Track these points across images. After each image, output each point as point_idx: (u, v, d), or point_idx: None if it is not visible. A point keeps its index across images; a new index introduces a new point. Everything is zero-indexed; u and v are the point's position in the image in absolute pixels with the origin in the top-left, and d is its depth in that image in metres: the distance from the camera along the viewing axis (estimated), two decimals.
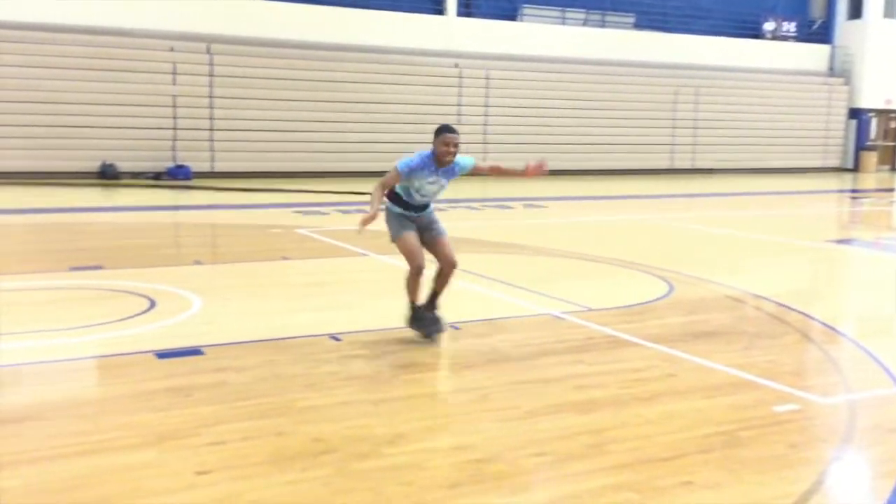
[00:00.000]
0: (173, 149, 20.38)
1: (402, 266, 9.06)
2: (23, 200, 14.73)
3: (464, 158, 5.86)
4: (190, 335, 6.02)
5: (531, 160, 5.98)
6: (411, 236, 5.83)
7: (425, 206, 5.93)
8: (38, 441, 4.00)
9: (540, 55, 24.80)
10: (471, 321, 6.59)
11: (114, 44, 19.69)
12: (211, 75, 20.63)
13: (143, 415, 4.39)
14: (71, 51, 19.16)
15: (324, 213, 14.04)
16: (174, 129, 20.40)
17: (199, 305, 6.98)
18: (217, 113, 20.75)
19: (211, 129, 20.76)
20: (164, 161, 20.15)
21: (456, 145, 5.70)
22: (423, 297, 6.00)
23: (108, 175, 19.29)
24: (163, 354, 5.48)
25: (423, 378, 5.34)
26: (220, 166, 20.82)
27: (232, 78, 20.83)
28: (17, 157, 18.73)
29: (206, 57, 20.62)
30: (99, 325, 6.25)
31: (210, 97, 20.67)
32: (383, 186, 5.73)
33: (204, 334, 6.05)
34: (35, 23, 18.90)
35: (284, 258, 9.59)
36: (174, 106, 20.32)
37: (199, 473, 3.67)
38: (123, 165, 19.62)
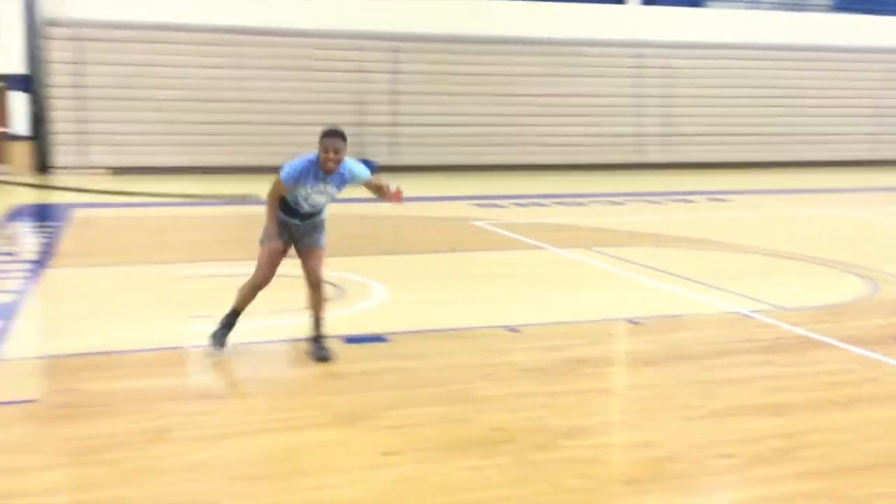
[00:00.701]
0: (359, 143, 21.22)
1: (580, 260, 9.05)
2: (223, 192, 15.83)
3: (358, 168, 5.33)
4: (375, 322, 6.27)
5: (393, 186, 5.42)
6: (275, 251, 5.31)
7: (310, 216, 5.34)
8: (238, 416, 4.31)
9: (728, 42, 23.72)
10: (652, 317, 6.44)
11: (307, 44, 20.73)
12: (395, 72, 21.30)
13: (332, 396, 4.62)
14: (267, 52, 20.36)
15: (501, 206, 14.15)
16: (359, 125, 21.24)
17: (383, 294, 7.24)
18: (401, 108, 21.40)
19: (394, 125, 21.44)
20: (350, 155, 21.02)
21: (337, 151, 5.09)
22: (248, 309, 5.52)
23: None
24: (350, 339, 5.73)
25: (602, 372, 5.28)
26: (403, 160, 21.46)
27: (414, 74, 21.39)
28: (219, 152, 20.16)
29: (391, 55, 21.30)
30: (293, 309, 6.61)
31: (394, 93, 21.34)
32: (273, 199, 5.25)
33: (388, 322, 6.27)
34: (233, 26, 20.21)
35: (463, 250, 9.76)
36: (360, 103, 21.15)
37: (385, 454, 3.82)
38: None
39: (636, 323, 6.28)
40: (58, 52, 19.06)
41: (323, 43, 20.88)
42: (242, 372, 5.12)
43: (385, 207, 14.79)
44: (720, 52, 23.68)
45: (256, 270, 5.38)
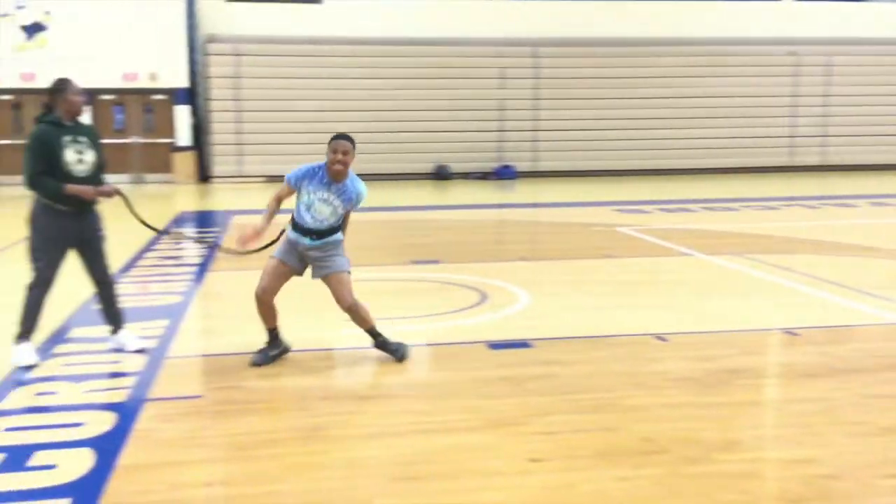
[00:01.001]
0: (499, 149, 21.32)
1: (731, 267, 8.71)
2: (370, 200, 16.26)
3: (361, 185, 5.20)
4: (519, 328, 6.26)
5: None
6: (279, 267, 5.20)
7: (319, 236, 5.15)
8: (389, 417, 4.41)
9: (892, 37, 22.30)
10: (811, 327, 6.13)
11: (448, 53, 21.05)
12: (536, 77, 21.26)
13: (478, 400, 4.65)
14: (409, 62, 20.81)
15: (645, 212, 13.84)
16: (500, 130, 21.33)
17: (527, 300, 7.23)
18: (541, 114, 21.34)
19: (535, 130, 21.40)
20: (490, 161, 21.15)
21: (345, 153, 4.99)
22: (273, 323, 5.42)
23: (442, 175, 20.70)
24: (494, 345, 5.75)
25: (758, 384, 5.06)
26: (544, 165, 21.39)
27: (554, 79, 21.29)
28: (364, 160, 20.73)
29: (532, 60, 21.28)
30: (438, 314, 6.72)
31: (534, 99, 21.31)
32: (275, 198, 5.18)
33: (532, 328, 6.26)
34: (377, 38, 20.77)
35: (607, 256, 9.61)
36: (501, 109, 21.24)
37: (533, 460, 3.81)
38: (455, 167, 20.91)
39: (793, 333, 5.99)
40: (216, 67, 20.18)
41: (462, 51, 21.12)
42: (392, 374, 5.23)
43: (530, 213, 14.77)
44: (884, 48, 22.29)
45: (260, 283, 5.24)
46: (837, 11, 22.35)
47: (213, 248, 8.41)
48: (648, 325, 6.23)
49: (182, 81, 20.27)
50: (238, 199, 16.92)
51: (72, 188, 5.16)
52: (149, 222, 5.88)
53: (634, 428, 4.19)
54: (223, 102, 20.25)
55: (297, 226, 5.18)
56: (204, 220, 14.23)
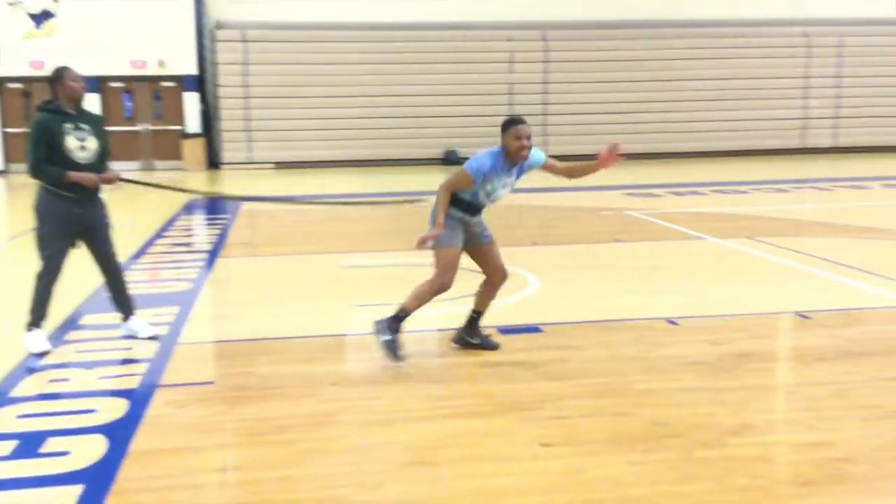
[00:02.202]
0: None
1: (743, 250, 8.66)
2: (378, 184, 16.26)
3: (536, 151, 5.08)
4: (530, 313, 6.25)
5: (604, 148, 5.11)
6: (457, 251, 5.09)
7: (482, 210, 5.15)
8: (400, 403, 4.41)
9: None
10: (823, 311, 6.09)
11: (457, 37, 20.96)
12: (545, 61, 21.15)
13: (491, 385, 4.65)
14: (418, 46, 20.73)
15: (656, 196, 13.78)
16: (510, 115, 21.27)
17: (538, 285, 7.21)
18: (550, 98, 21.25)
19: (544, 114, 21.31)
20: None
21: (529, 137, 4.93)
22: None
23: (450, 160, 20.65)
24: (505, 330, 5.75)
25: (770, 368, 5.04)
26: (553, 150, 21.31)
27: (563, 63, 21.18)
28: (374, 146, 20.72)
29: (541, 44, 21.16)
30: (449, 299, 6.69)
31: (544, 83, 21.21)
32: (449, 192, 4.99)
33: (543, 313, 6.25)
34: (386, 22, 20.69)
35: (617, 240, 9.58)
36: (510, 93, 21.16)
37: (544, 445, 3.81)
38: (464, 151, 20.86)
39: (805, 317, 5.96)
40: (225, 54, 20.16)
41: (471, 35, 21.03)
42: (400, 360, 5.22)
43: (540, 197, 14.74)
44: (893, 28, 22.07)
45: (439, 274, 5.07)
46: None
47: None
48: (659, 310, 6.21)
49: (191, 68, 20.26)
50: (247, 185, 16.93)
51: (74, 175, 5.15)
52: (172, 187, 5.85)
53: (646, 412, 4.18)
54: (232, 89, 20.24)
55: (470, 206, 5.04)
56: (213, 207, 14.26)
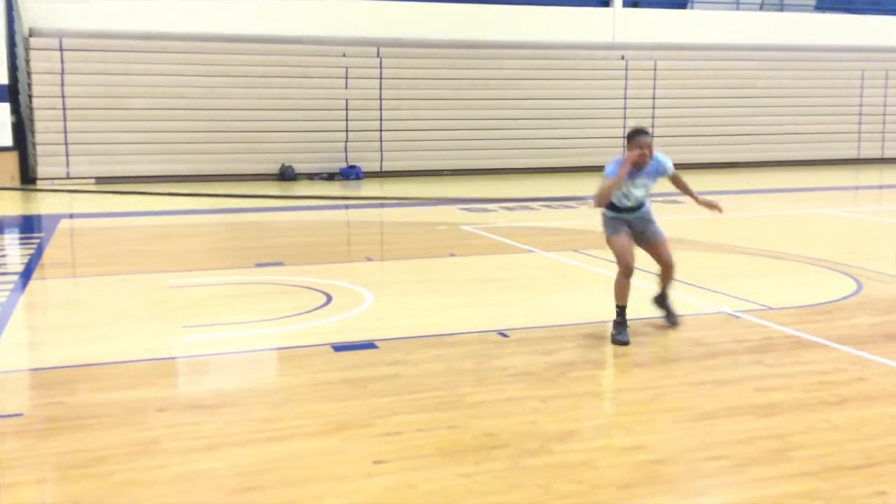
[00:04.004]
0: (346, 150, 21.18)
1: (569, 262, 9.04)
2: (210, 202, 15.78)
3: (664, 158, 5.92)
4: (364, 329, 6.23)
5: (709, 199, 6.21)
6: (622, 238, 5.93)
7: (638, 208, 5.96)
8: (227, 427, 4.27)
9: (712, 43, 23.85)
10: (640, 319, 6.43)
11: (290, 51, 20.69)
12: (381, 77, 21.27)
13: (322, 404, 4.59)
14: (251, 59, 20.30)
15: (489, 210, 14.15)
16: (346, 130, 21.20)
17: (372, 300, 7.21)
18: (386, 114, 21.38)
19: (380, 130, 21.41)
20: (337, 162, 20.97)
21: (648, 146, 5.73)
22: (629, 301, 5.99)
23: (286, 176, 20.31)
24: (339, 347, 5.70)
25: (592, 376, 5.27)
26: (389, 166, 21.43)
27: (399, 80, 21.38)
28: (204, 160, 20.07)
29: (376, 60, 21.28)
30: (281, 318, 6.59)
31: (380, 99, 21.31)
32: (607, 192, 5.79)
33: (377, 329, 6.25)
34: (216, 34, 20.14)
35: (451, 254, 9.74)
36: (347, 109, 21.11)
37: (377, 462, 3.79)
38: (300, 167, 20.59)
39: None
40: (39, 63, 18.95)
41: (305, 49, 20.85)
42: (230, 382, 5.08)
43: (376, 213, 14.73)
44: (705, 52, 23.80)
45: (618, 262, 5.94)
46: (662, 18, 23.66)
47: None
48: (492, 322, 6.36)
49: (1, 77, 18.88)
50: (65, 202, 15.96)
51: None
52: None
53: (476, 424, 4.26)
54: (48, 100, 19.01)
55: (616, 208, 5.91)
56: (27, 224, 13.33)
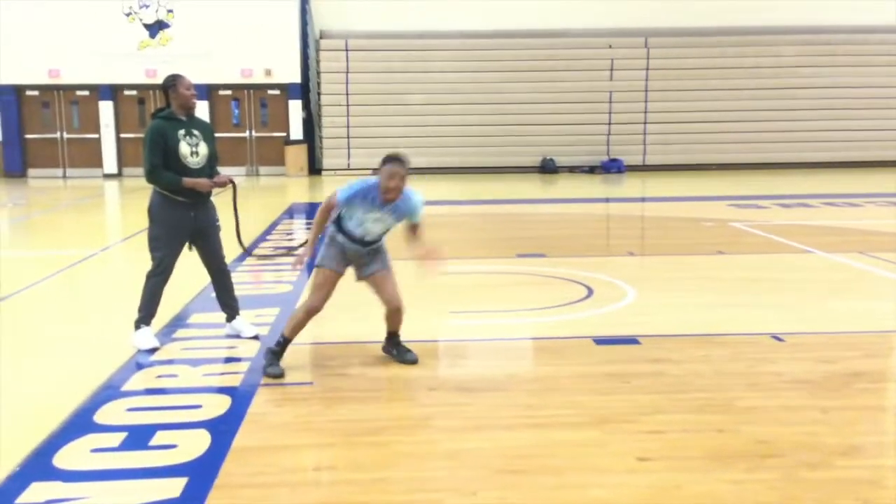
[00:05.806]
0: (608, 143, 20.99)
1: (853, 265, 8.30)
2: (475, 193, 16.31)
3: (417, 200, 4.90)
4: (626, 324, 6.15)
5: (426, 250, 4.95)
6: (331, 274, 5.00)
7: (370, 244, 5.00)
8: (495, 410, 4.41)
9: None
10: None
11: (556, 45, 20.85)
12: (647, 69, 20.82)
13: (585, 396, 4.59)
14: (519, 54, 20.72)
15: (761, 207, 13.36)
16: (609, 123, 20.99)
17: (634, 295, 7.09)
18: (651, 106, 20.89)
19: (644, 123, 20.96)
20: (598, 155, 20.85)
21: (402, 178, 4.71)
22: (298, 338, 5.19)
23: (548, 169, 20.54)
24: (600, 341, 5.67)
25: (881, 388, 4.81)
26: (652, 159, 20.94)
27: (666, 70, 20.79)
28: (470, 153, 20.80)
29: (643, 51, 20.84)
30: (543, 308, 6.68)
31: (645, 91, 20.87)
32: (322, 212, 4.91)
33: (639, 324, 6.13)
34: (487, 30, 20.77)
35: (719, 252, 9.32)
36: (610, 101, 20.90)
37: (641, 459, 3.73)
38: (561, 160, 20.71)
39: None
40: (328, 63, 20.63)
41: (571, 42, 20.90)
42: (494, 367, 5.22)
43: (638, 207, 14.47)
44: None
45: (312, 294, 5.06)
46: None
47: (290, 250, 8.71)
48: (763, 325, 6.01)
49: (295, 77, 20.81)
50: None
51: (189, 181, 5.37)
52: (242, 234, 6.23)
53: (748, 430, 4.05)
54: (334, 97, 20.68)
55: (345, 232, 4.98)
56: (314, 211, 14.60)
